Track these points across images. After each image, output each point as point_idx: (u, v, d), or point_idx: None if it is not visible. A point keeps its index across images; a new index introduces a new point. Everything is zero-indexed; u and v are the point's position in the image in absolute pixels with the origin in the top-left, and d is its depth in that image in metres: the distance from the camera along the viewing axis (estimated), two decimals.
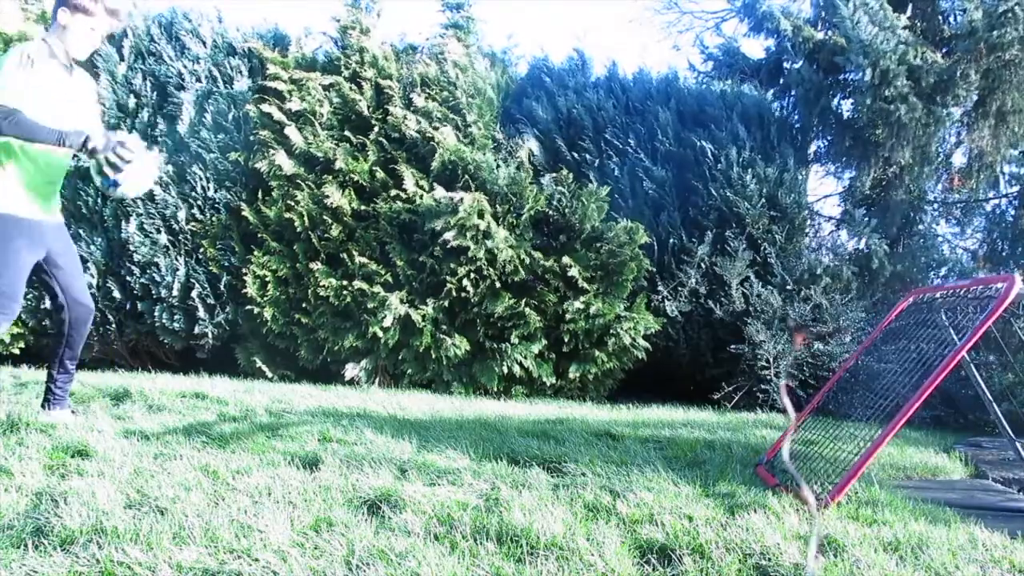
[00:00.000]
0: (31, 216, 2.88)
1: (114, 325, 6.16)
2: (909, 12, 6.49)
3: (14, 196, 2.83)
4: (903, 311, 3.22)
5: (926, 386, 2.33)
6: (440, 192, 5.56)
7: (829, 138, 7.49)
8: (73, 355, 3.10)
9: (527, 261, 5.69)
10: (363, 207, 5.90)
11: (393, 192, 5.81)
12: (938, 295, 3.02)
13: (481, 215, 5.57)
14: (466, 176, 5.75)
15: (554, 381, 5.80)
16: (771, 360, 5.72)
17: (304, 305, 5.80)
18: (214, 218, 6.03)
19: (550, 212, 5.87)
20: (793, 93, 7.48)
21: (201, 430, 2.89)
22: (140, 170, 2.88)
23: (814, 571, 1.70)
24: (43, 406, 3.08)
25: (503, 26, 22.94)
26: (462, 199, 5.47)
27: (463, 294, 5.64)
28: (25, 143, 2.76)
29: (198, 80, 6.23)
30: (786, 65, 7.82)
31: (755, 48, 28.65)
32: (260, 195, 6.00)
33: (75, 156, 2.98)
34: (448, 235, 5.46)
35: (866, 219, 6.55)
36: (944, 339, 2.81)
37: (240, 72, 6.27)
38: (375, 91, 6.11)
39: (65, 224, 3.09)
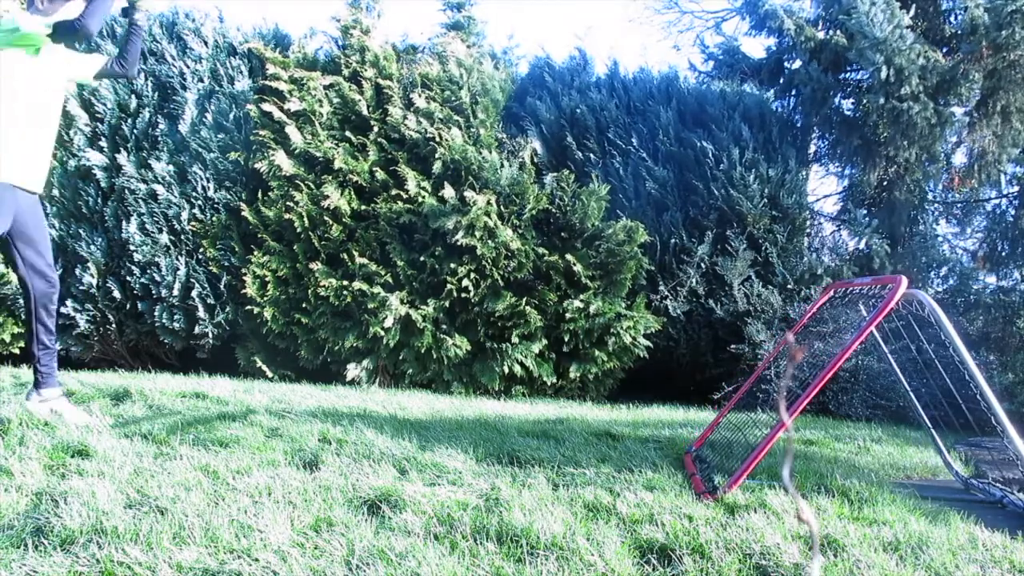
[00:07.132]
0: (19, 184, 2.87)
1: (114, 325, 6.16)
2: (912, 12, 6.47)
3: (8, 164, 2.83)
4: (824, 304, 3.31)
5: (815, 385, 2.41)
6: (449, 192, 5.56)
7: (831, 138, 7.47)
8: (48, 329, 3.06)
9: (533, 257, 5.70)
10: (363, 207, 5.90)
11: (394, 192, 5.81)
12: (857, 289, 3.11)
13: (488, 214, 5.57)
14: (470, 176, 5.75)
15: (554, 381, 5.80)
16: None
17: (304, 305, 5.80)
18: (214, 218, 6.03)
19: (552, 210, 5.87)
20: (795, 93, 7.46)
21: (201, 430, 2.89)
22: None
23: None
24: (34, 388, 3.07)
25: (503, 25, 22.95)
26: (475, 199, 5.48)
27: (463, 294, 5.64)
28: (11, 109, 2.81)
29: (200, 80, 6.23)
30: (787, 65, 7.80)
31: (755, 48, 28.65)
32: (260, 195, 6.00)
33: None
34: (458, 235, 5.48)
35: (867, 219, 6.54)
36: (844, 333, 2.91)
37: (241, 72, 6.27)
38: (375, 91, 6.11)
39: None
